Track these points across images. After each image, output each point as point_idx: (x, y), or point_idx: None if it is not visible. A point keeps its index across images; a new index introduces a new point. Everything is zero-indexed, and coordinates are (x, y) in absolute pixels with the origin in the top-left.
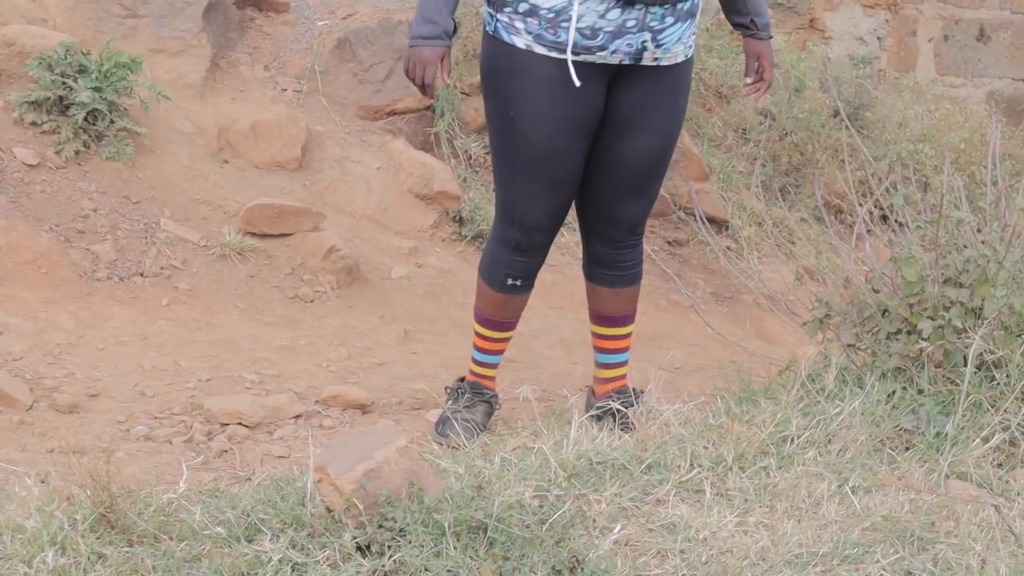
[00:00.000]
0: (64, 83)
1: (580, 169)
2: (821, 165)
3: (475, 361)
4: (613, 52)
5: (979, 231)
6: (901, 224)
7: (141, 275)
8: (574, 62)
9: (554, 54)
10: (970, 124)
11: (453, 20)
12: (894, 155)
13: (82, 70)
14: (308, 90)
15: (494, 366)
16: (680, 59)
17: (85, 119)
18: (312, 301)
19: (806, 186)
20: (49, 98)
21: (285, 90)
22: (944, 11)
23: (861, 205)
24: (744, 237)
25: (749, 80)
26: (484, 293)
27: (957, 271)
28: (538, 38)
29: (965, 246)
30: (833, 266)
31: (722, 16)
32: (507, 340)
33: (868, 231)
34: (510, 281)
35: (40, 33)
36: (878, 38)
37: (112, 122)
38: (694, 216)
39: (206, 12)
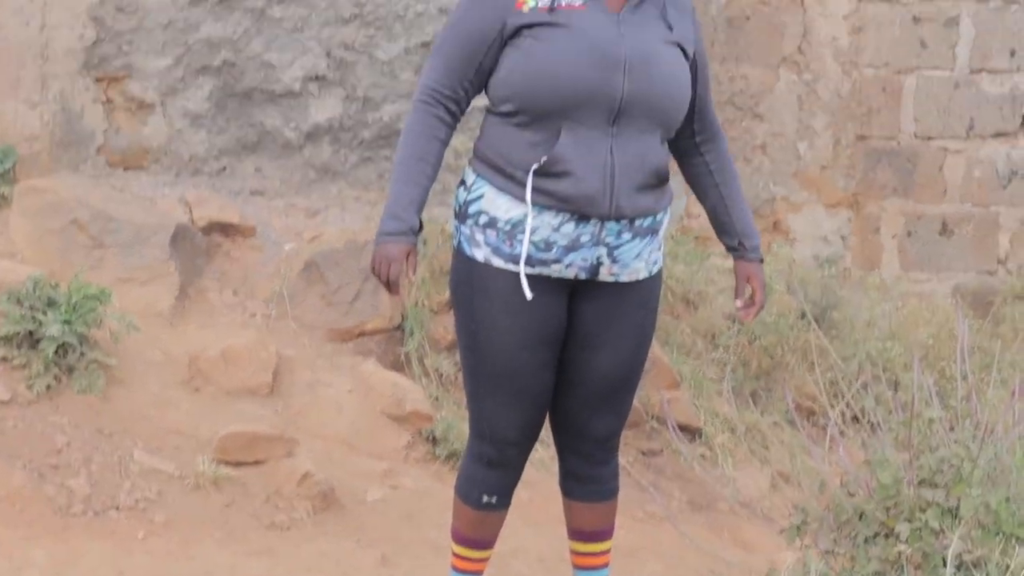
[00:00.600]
0: (34, 317)
1: (548, 383)
2: (791, 368)
3: None
4: (568, 266)
5: (952, 429)
6: (874, 425)
7: (116, 508)
8: (531, 275)
9: (510, 266)
10: (937, 319)
11: (419, 219)
12: (863, 354)
13: (51, 303)
14: (277, 314)
15: None
16: (642, 276)
17: (56, 352)
18: (288, 528)
19: (777, 390)
20: (19, 333)
21: (254, 315)
22: (906, 207)
23: (833, 407)
24: (718, 444)
25: (739, 303)
26: (460, 511)
27: (932, 471)
28: (496, 250)
29: (938, 446)
30: (808, 470)
31: (686, 222)
32: (485, 560)
33: (841, 433)
34: (485, 498)
35: (8, 267)
36: (842, 237)
37: (83, 354)
38: (667, 425)
39: (173, 240)
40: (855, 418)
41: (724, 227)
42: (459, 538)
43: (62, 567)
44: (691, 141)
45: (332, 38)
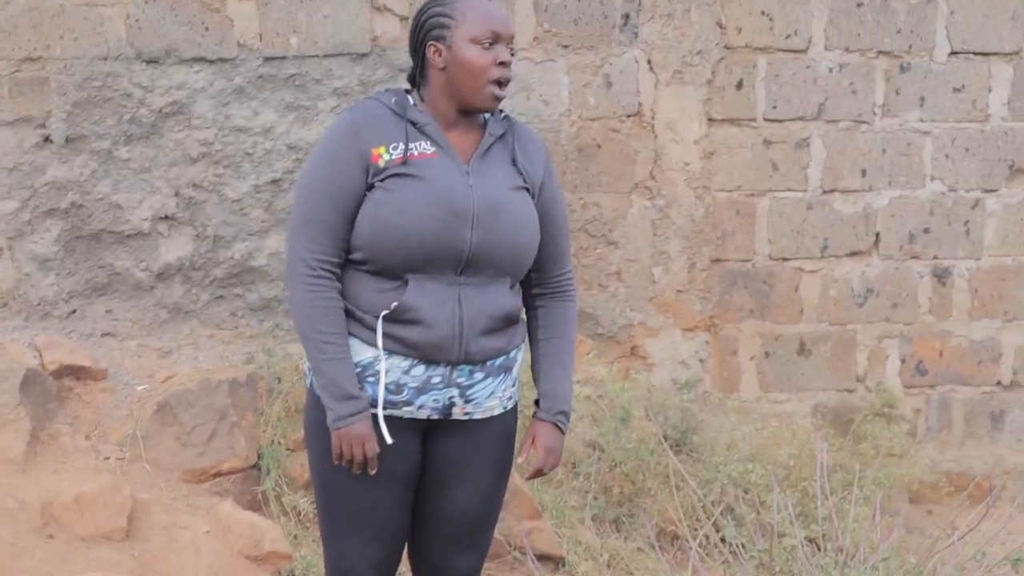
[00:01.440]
0: None
1: (404, 521)
2: (653, 493)
3: None
4: (420, 407)
5: (815, 554)
6: (735, 551)
7: None
8: (387, 417)
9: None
10: (798, 439)
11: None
12: (725, 477)
13: None
14: (131, 456)
15: None
16: (496, 412)
17: None
18: None
19: (640, 516)
20: None
21: (108, 458)
22: (763, 328)
23: (695, 533)
24: (581, 573)
25: (519, 460)
26: None
27: None
28: None
29: (800, 572)
30: None
31: None
32: None
33: (702, 559)
34: None
35: None
36: (700, 360)
37: None
38: (527, 556)
39: (23, 385)
40: (722, 540)
41: (534, 381)
42: None
43: None
44: (529, 292)
45: (180, 177)
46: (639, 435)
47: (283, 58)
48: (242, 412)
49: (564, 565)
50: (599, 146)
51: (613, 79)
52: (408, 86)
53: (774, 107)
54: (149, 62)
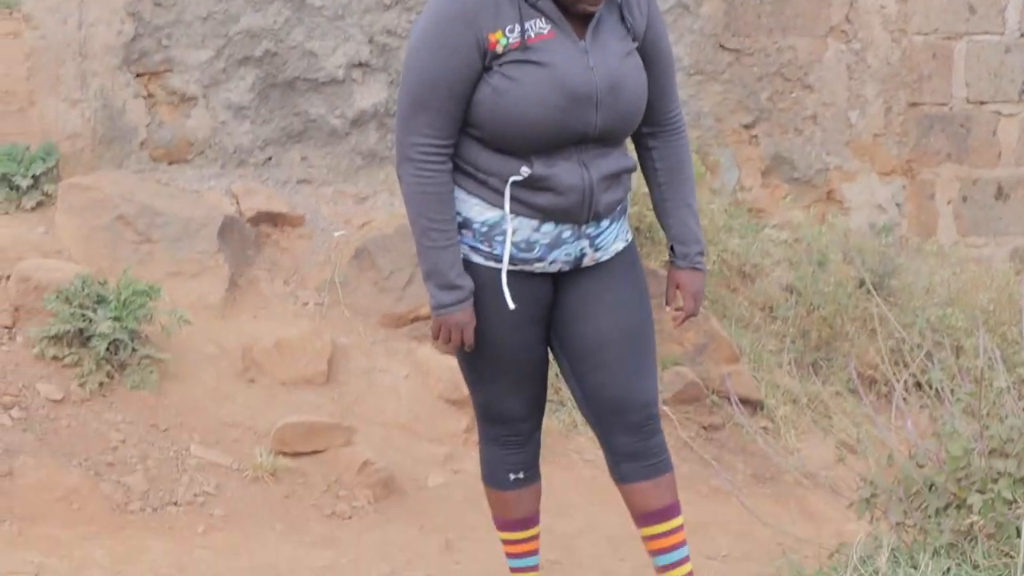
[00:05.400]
0: (83, 315)
1: (543, 355)
2: (851, 337)
3: (514, 569)
4: (552, 262)
5: (1021, 398)
6: (940, 394)
7: (175, 504)
8: (513, 271)
9: (491, 263)
10: (996, 284)
11: (470, 278)
12: (923, 322)
13: (100, 300)
14: (329, 302)
15: (534, 568)
16: (621, 247)
17: (107, 349)
18: (350, 517)
19: (838, 360)
20: (69, 331)
21: (306, 304)
22: (960, 172)
23: (896, 379)
24: (780, 416)
25: (668, 309)
26: (494, 497)
27: (1002, 441)
28: (474, 249)
29: (1008, 415)
30: (873, 440)
31: (739, 195)
32: (535, 538)
33: (905, 401)
34: (512, 476)
35: (55, 266)
36: (897, 204)
37: (134, 350)
38: (728, 399)
39: (221, 232)
40: (917, 385)
41: (663, 227)
42: (503, 524)
43: (122, 565)
44: (639, 132)
45: (374, 24)
46: (836, 279)
47: None
48: None
49: (763, 408)
50: None
51: None
52: None
53: None
54: None
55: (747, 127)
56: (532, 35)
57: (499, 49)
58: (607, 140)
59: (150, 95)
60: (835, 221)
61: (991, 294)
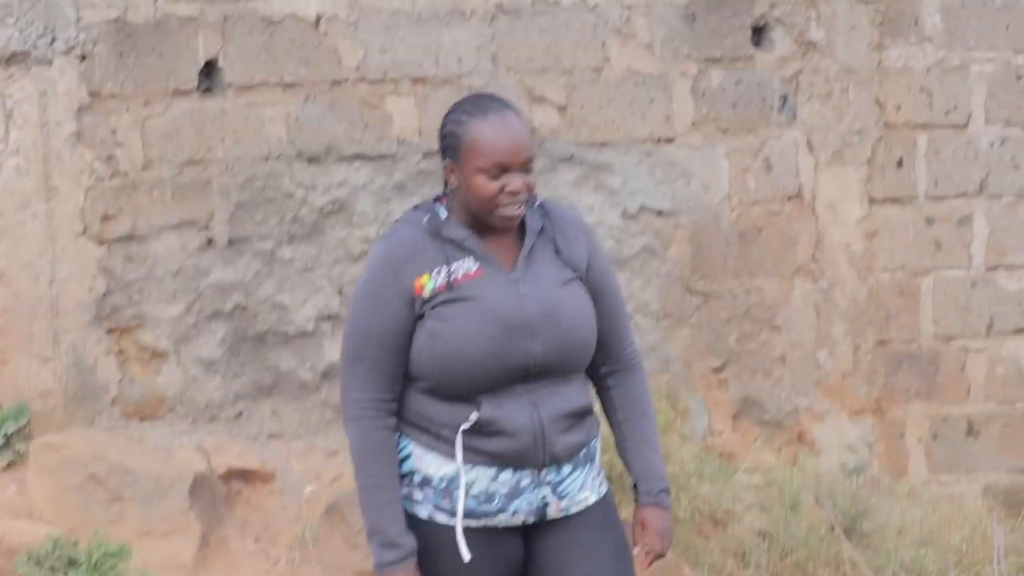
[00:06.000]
0: None
1: None
2: None
3: None
4: (514, 513)
5: None
6: None
7: None
8: (478, 528)
9: (453, 521)
10: (970, 522)
11: (412, 536)
12: (897, 563)
13: (72, 563)
14: (301, 559)
15: None
16: (592, 500)
17: None
18: None
19: None
20: None
21: (278, 561)
22: (930, 410)
23: None
24: None
25: (636, 550)
26: None
27: None
28: (437, 508)
29: None
30: None
31: (709, 440)
32: None
33: None
34: None
35: (27, 528)
36: (867, 444)
37: None
38: None
39: (192, 490)
40: None
41: (625, 465)
42: None
43: None
44: (597, 373)
45: (343, 275)
46: (808, 523)
47: None
48: None
49: None
50: (760, 230)
51: (773, 161)
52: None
53: (935, 184)
54: (310, 161)
55: (716, 371)
56: (459, 275)
57: (426, 293)
58: (554, 374)
59: (121, 351)
60: (806, 463)
61: (964, 532)
